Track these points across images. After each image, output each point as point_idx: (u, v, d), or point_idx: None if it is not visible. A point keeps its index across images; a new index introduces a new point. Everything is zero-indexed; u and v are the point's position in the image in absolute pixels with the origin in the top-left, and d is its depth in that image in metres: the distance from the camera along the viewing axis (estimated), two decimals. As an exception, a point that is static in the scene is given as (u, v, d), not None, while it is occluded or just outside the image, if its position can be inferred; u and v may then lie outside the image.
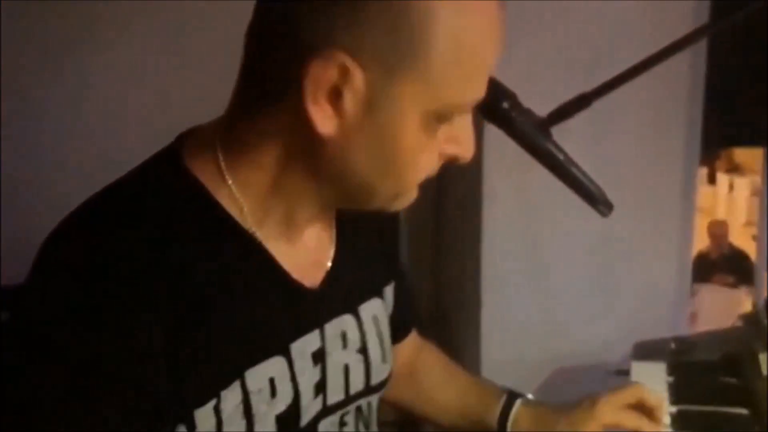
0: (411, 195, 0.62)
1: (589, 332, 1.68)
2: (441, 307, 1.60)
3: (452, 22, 0.53)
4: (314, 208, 0.63)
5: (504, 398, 0.88)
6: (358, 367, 0.69)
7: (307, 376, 0.63)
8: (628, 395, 0.86)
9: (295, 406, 0.62)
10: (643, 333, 1.30)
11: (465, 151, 0.59)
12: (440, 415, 0.93)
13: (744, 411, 0.87)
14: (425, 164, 0.58)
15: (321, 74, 0.52)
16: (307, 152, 0.57)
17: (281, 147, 0.58)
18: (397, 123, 0.55)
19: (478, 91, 0.57)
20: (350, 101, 0.53)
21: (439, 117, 0.56)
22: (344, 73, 0.52)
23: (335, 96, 0.53)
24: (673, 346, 1.07)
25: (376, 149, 0.56)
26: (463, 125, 0.59)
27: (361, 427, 0.72)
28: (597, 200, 0.72)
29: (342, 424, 0.69)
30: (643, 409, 0.85)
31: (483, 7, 0.54)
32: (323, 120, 0.54)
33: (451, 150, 0.59)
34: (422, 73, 0.53)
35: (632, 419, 0.85)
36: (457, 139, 0.59)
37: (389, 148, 0.56)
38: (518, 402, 0.88)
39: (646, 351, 1.08)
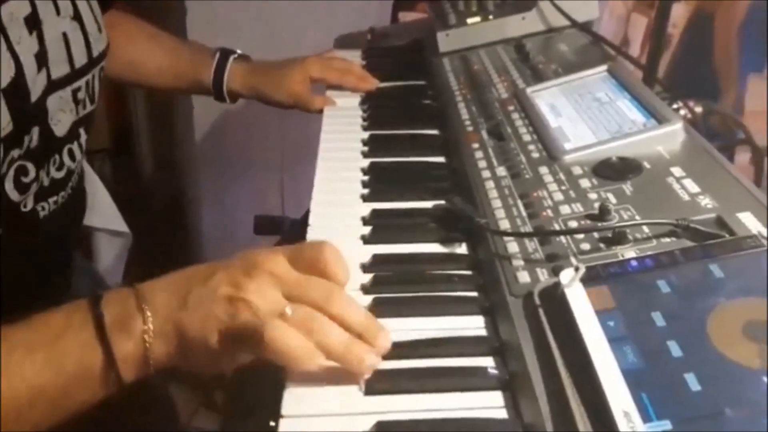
0: None
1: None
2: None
3: None
4: None
5: (218, 56, 0.95)
6: (76, 36, 0.68)
7: (25, 45, 0.61)
8: (337, 61, 0.99)
9: (20, 78, 0.60)
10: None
11: None
12: (154, 79, 0.98)
13: (423, 82, 1.02)
14: None
15: None
16: None
17: None
18: None
19: None
20: None
21: None
22: None
23: None
24: (369, 36, 1.18)
25: None
26: None
27: (88, 103, 0.71)
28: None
29: (76, 101, 0.68)
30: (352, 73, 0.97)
31: None
32: None
33: None
34: None
35: (336, 75, 0.97)
36: None
37: None
38: (232, 58, 0.94)
39: (346, 40, 1.19)
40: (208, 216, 1.74)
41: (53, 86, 0.65)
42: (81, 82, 0.69)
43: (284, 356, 0.45)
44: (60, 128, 0.67)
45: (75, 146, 0.71)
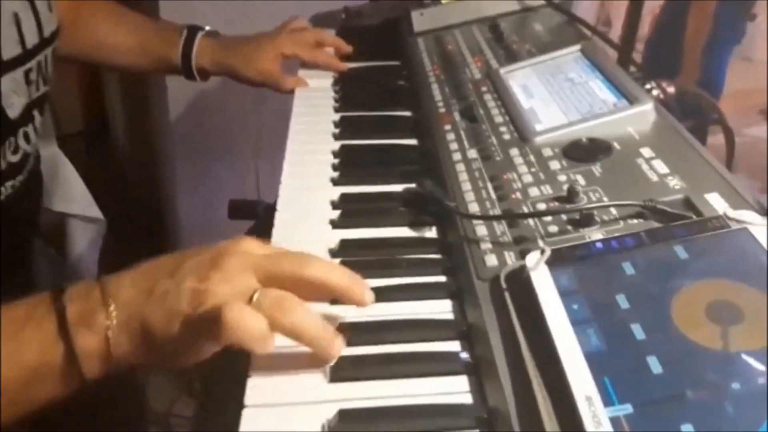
0: None
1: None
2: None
3: None
4: None
5: (185, 32, 0.92)
6: (27, 16, 0.67)
7: None
8: (308, 34, 0.97)
9: None
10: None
11: None
12: (122, 58, 0.94)
13: (397, 62, 1.02)
14: None
15: None
16: None
17: None
18: None
19: None
20: None
21: None
22: None
23: None
24: (343, 16, 1.17)
25: None
26: None
27: (41, 84, 0.70)
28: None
29: (28, 82, 0.67)
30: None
31: None
32: None
33: None
34: None
35: (309, 52, 0.95)
36: None
37: None
38: (200, 34, 0.92)
39: (321, 19, 1.18)
40: (184, 201, 1.72)
41: (5, 67, 0.64)
42: (33, 63, 0.68)
43: (242, 337, 0.43)
44: (13, 111, 0.65)
45: (30, 129, 0.69)
